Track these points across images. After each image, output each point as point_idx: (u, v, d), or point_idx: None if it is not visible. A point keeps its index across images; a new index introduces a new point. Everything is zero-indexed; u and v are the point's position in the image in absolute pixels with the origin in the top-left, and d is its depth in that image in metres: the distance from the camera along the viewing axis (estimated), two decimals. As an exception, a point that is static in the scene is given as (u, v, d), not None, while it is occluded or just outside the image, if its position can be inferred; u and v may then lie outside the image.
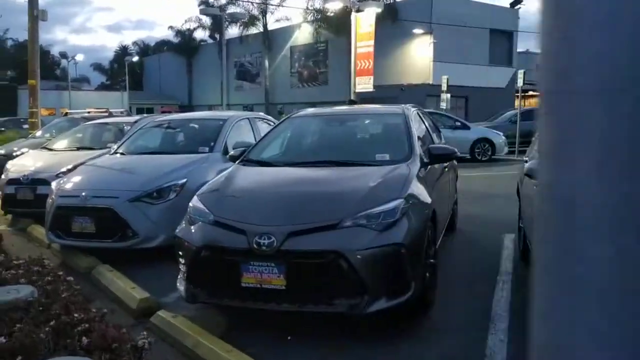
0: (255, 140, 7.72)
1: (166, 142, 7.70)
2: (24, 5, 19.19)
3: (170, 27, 54.12)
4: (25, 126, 22.57)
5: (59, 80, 58.78)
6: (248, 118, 7.88)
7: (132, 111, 51.37)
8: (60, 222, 5.91)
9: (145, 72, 64.51)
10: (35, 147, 11.05)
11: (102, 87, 69.71)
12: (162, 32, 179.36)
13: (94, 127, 10.06)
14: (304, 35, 42.36)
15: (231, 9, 45.15)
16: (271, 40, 44.81)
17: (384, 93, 26.65)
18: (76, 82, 53.05)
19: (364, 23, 19.82)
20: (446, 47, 32.70)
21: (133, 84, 59.43)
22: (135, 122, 9.54)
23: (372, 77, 19.72)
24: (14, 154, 10.90)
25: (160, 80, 61.45)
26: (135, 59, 58.36)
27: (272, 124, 8.78)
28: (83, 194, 5.77)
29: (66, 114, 12.98)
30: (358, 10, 20.12)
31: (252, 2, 43.26)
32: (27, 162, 8.65)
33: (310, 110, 6.50)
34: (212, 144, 6.84)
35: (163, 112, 49.51)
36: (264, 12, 44.38)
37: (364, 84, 19.92)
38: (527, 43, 49.39)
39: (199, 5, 47.95)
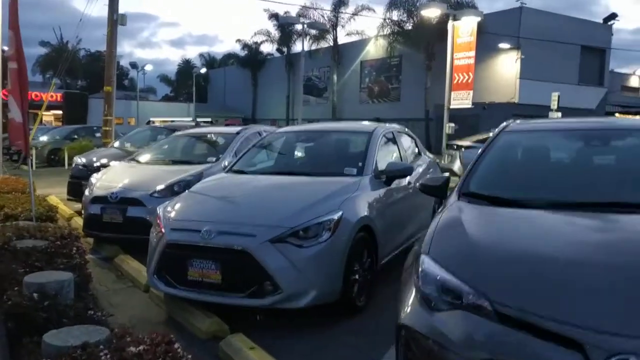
0: (401, 159, 6.09)
1: (300, 160, 6.10)
2: (96, 19, 18.43)
3: (238, 40, 53.81)
4: (98, 134, 21.86)
5: (126, 90, 59.52)
6: (393, 131, 6.18)
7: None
8: (171, 265, 4.35)
9: (210, 84, 64.60)
10: (116, 158, 9.77)
11: (166, 99, 70.42)
12: (223, 47, 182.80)
13: (187, 138, 8.64)
14: (375, 49, 40.81)
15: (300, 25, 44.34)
16: (341, 54, 43.50)
17: (465, 111, 24.60)
18: (143, 93, 53.35)
19: (463, 32, 17.97)
20: (533, 63, 30.35)
21: (197, 96, 59.48)
22: (238, 133, 8.04)
23: (471, 92, 17.83)
24: (95, 164, 9.64)
25: (225, 92, 61.28)
26: (203, 70, 58.30)
27: (414, 139, 7.11)
28: (205, 228, 4.17)
29: (149, 122, 11.62)
30: (455, 19, 18.31)
31: (323, 16, 42.10)
32: (114, 176, 7.27)
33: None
34: (360, 163, 5.17)
35: (227, 124, 48.95)
36: (334, 26, 43.18)
37: (460, 100, 18.04)
38: (617, 62, 45.98)
39: (270, 19, 47.38)
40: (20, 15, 6.46)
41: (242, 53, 54.39)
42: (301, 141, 6.23)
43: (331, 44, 43.58)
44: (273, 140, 6.32)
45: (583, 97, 32.62)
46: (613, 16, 34.16)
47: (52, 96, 48.50)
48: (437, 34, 32.66)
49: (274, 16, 47.95)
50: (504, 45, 30.36)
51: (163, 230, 4.44)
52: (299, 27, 46.56)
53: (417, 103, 36.04)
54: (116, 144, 11.76)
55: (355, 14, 40.61)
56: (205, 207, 4.71)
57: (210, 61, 67.31)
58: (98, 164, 9.67)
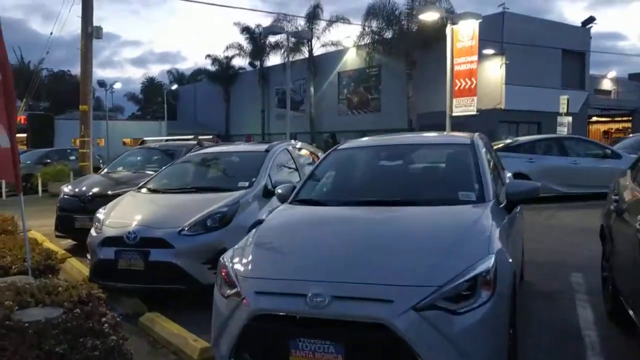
0: (499, 175, 4.94)
1: (390, 184, 4.58)
2: (59, 37, 16.85)
3: (208, 56, 52.25)
4: (73, 157, 20.22)
5: (94, 110, 57.25)
6: (484, 140, 5.01)
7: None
8: (259, 346, 3.04)
9: (180, 101, 62.79)
10: (113, 186, 8.40)
11: (134, 117, 68.22)
12: (187, 64, 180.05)
13: (206, 159, 7.31)
14: (353, 59, 39.97)
15: (275, 37, 43.17)
16: (317, 66, 42.46)
17: (453, 119, 23.79)
18: (111, 112, 51.21)
19: (463, 36, 17.09)
20: (518, 69, 29.90)
21: (167, 113, 57.64)
22: (268, 151, 6.77)
23: (475, 98, 16.91)
24: (87, 194, 8.22)
25: (195, 109, 59.58)
26: (174, 87, 56.51)
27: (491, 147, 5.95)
28: (313, 291, 2.88)
29: (142, 142, 10.32)
30: (453, 23, 17.45)
31: (297, 28, 41.05)
32: (127, 210, 5.92)
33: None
34: (476, 186, 3.99)
35: (248, 141, 47.26)
36: (309, 37, 42.20)
37: (464, 106, 17.11)
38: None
39: (242, 32, 46.11)
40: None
41: (212, 68, 52.94)
42: (383, 159, 4.97)
43: (306, 55, 42.56)
44: (338, 159, 4.99)
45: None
46: (591, 19, 34.11)
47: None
48: (419, 42, 32.06)
49: (245, 29, 46.79)
50: (488, 51, 29.78)
51: (242, 292, 3.12)
52: (272, 39, 45.67)
53: (399, 113, 35.22)
54: (106, 169, 10.31)
55: (330, 24, 39.77)
56: (300, 258, 3.32)
57: (178, 78, 65.59)
58: (90, 193, 8.27)
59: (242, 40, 47.40)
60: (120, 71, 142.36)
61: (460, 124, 25.47)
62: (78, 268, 6.63)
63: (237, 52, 48.51)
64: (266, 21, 46.86)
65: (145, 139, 11.16)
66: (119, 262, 5.36)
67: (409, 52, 33.30)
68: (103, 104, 70.47)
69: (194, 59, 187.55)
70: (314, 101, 42.48)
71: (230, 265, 3.39)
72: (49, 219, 12.55)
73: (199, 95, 59.11)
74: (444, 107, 18.05)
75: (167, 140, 11.41)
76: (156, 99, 72.12)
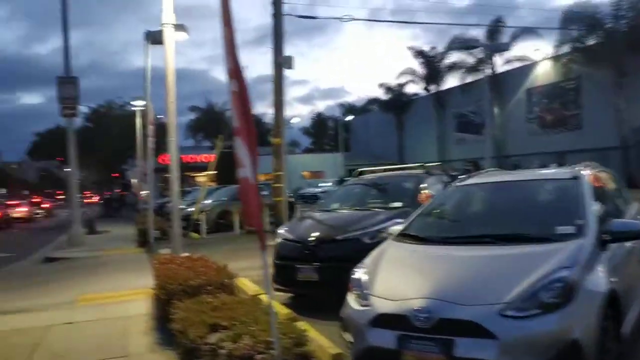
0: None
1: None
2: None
3: (381, 85, 51.38)
4: (265, 192, 19.79)
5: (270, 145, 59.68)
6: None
7: (342, 173, 49.07)
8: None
9: (352, 132, 62.85)
10: (339, 229, 6.78)
11: (307, 151, 70.05)
12: (352, 98, 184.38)
13: (492, 192, 5.22)
14: (545, 73, 35.94)
15: (451, 58, 40.83)
16: (500, 84, 39.02)
17: None
18: (290, 147, 52.62)
19: None
20: None
21: (341, 145, 57.88)
22: (576, 177, 4.52)
23: None
24: (309, 238, 6.67)
25: (368, 139, 59.03)
26: (350, 118, 56.62)
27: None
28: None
29: (360, 173, 8.61)
30: None
31: (475, 46, 38.17)
32: (401, 271, 4.08)
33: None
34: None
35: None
36: (490, 55, 39.05)
37: None
38: None
39: (416, 57, 44.54)
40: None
41: (384, 97, 51.97)
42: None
43: (486, 74, 39.39)
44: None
45: None
46: None
47: (205, 157, 49.53)
48: (630, 46, 27.52)
49: (419, 53, 45.15)
50: None
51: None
52: (448, 61, 43.26)
53: (606, 129, 30.50)
54: (321, 207, 8.81)
55: (514, 38, 36.28)
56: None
57: (349, 109, 65.98)
58: (314, 237, 6.71)
59: (416, 65, 45.83)
60: (289, 109, 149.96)
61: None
62: (325, 348, 4.88)
63: (410, 78, 47.02)
64: (431, 42, 44.59)
65: (361, 169, 9.53)
66: (404, 354, 3.49)
67: (618, 59, 28.71)
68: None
69: (357, 92, 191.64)
70: (498, 123, 39.01)
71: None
72: (250, 261, 11.55)
73: (371, 126, 58.54)
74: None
75: (385, 170, 9.64)
76: (326, 133, 73.53)
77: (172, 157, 9.41)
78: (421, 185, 7.52)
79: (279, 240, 7.15)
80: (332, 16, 30.55)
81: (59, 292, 9.61)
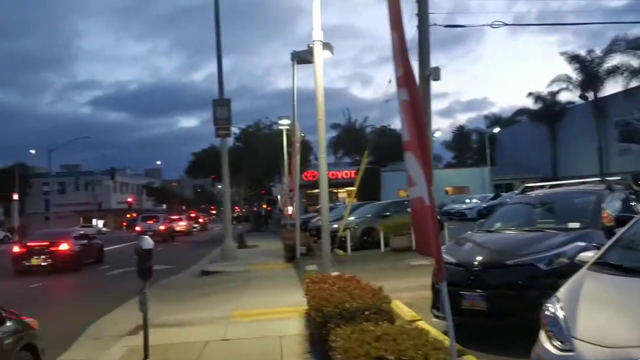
0: None
1: None
2: (377, 98, 15.86)
3: (530, 94, 48.28)
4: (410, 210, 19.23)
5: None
6: None
7: (487, 189, 46.69)
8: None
9: (498, 145, 59.81)
10: (508, 252, 6.05)
11: (448, 165, 67.90)
12: (494, 109, 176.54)
13: None
14: None
15: (612, 61, 37.13)
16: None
17: None
18: (433, 161, 51.49)
19: None
20: None
21: (482, 159, 55.27)
22: None
23: None
24: (478, 263, 6.03)
25: (515, 152, 55.73)
26: (496, 130, 54.04)
27: None
28: None
29: (525, 188, 7.70)
30: None
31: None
32: (609, 310, 3.34)
33: None
34: None
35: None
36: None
37: None
38: None
39: (570, 62, 41.20)
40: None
41: (534, 107, 48.73)
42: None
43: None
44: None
45: None
46: None
47: (346, 173, 50.15)
48: None
49: (574, 58, 41.72)
50: None
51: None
52: (607, 65, 39.42)
53: None
54: (480, 226, 8.05)
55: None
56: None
57: (494, 121, 62.94)
58: (479, 261, 6.03)
59: (570, 71, 42.38)
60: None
61: None
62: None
63: (563, 85, 43.60)
64: (583, 47, 40.64)
65: (527, 184, 8.59)
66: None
67: None
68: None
69: (501, 103, 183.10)
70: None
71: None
72: (400, 281, 11.08)
73: (519, 138, 55.24)
74: None
75: (552, 185, 8.62)
76: (469, 146, 70.80)
77: (321, 174, 9.28)
78: (603, 204, 6.52)
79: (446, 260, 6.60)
80: (480, 24, 29.09)
81: (214, 306, 9.89)
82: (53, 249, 17.84)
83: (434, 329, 6.33)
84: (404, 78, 3.19)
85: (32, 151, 61.20)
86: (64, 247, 18.04)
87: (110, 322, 9.43)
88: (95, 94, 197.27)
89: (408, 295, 8.97)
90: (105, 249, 22.51)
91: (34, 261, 17.55)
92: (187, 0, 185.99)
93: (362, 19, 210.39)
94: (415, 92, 3.16)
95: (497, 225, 7.26)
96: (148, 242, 6.14)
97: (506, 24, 17.84)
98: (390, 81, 16.29)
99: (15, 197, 56.55)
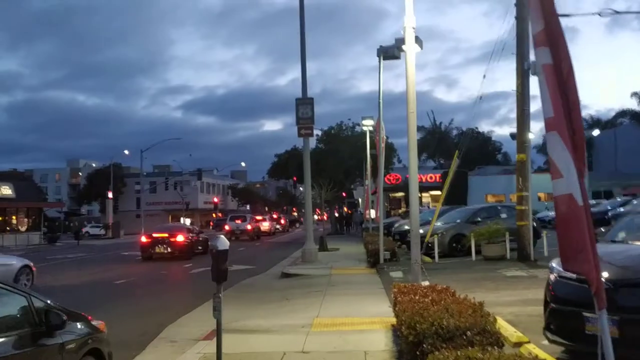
0: None
1: None
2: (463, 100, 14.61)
3: (634, 94, 44.48)
4: (504, 215, 17.87)
5: (500, 165, 56.03)
6: None
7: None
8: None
9: (595, 149, 55.76)
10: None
11: (539, 170, 64.22)
12: (588, 111, 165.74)
13: None
14: None
15: None
16: None
17: None
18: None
19: None
20: None
21: (587, 163, 51.46)
22: None
23: None
24: (609, 279, 4.97)
25: (615, 157, 51.66)
26: (596, 132, 50.33)
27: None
28: None
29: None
30: None
31: None
32: None
33: None
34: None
35: (625, 195, 39.79)
36: None
37: None
38: None
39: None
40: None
41: (638, 109, 44.85)
42: None
43: None
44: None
45: None
46: None
47: (430, 177, 48.53)
48: None
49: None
50: None
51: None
52: None
53: None
54: (609, 236, 6.88)
55: None
56: None
57: (593, 123, 58.78)
58: (611, 277, 4.94)
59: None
60: (514, 127, 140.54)
61: None
62: None
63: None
64: None
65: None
66: None
67: None
68: (509, 159, 69.09)
69: (596, 105, 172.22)
70: None
71: None
72: (497, 293, 9.91)
73: (619, 142, 51.14)
74: None
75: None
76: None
77: (411, 173, 8.46)
78: None
79: (553, 276, 5.55)
80: (588, 12, 26.87)
81: (293, 312, 9.33)
82: (172, 240, 21.91)
83: (548, 355, 5.37)
84: (545, 34, 2.39)
85: (126, 152, 64.17)
86: (180, 238, 22.19)
87: (193, 320, 9.17)
88: (186, 98, 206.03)
89: (508, 310, 7.96)
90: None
91: (158, 250, 21.85)
92: (273, 6, 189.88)
93: (447, 20, 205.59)
94: (562, 54, 2.35)
95: (624, 235, 6.13)
96: (223, 242, 5.63)
97: (617, 12, 16.14)
98: (484, 76, 15.15)
99: (110, 195, 59.54)
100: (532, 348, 5.54)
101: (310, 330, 7.64)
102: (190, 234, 23.61)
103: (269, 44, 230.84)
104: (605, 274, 5.03)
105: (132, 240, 45.26)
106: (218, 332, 5.67)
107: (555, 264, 5.70)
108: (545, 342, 5.79)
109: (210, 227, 67.36)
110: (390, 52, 15.57)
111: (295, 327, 7.88)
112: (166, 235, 22.34)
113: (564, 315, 5.17)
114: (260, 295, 11.79)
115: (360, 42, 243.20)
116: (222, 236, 5.83)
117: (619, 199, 31.60)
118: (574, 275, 5.24)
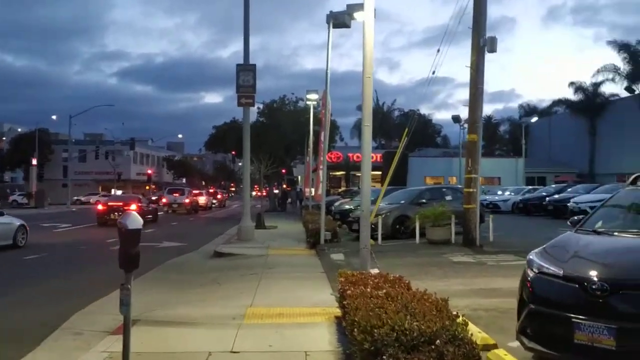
0: None
1: None
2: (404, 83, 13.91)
3: (571, 84, 45.56)
4: (449, 197, 17.39)
5: (439, 147, 56.45)
6: None
7: (520, 181, 44.36)
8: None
9: (530, 137, 57.19)
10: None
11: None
12: (518, 101, 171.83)
13: None
14: None
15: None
16: None
17: None
18: (457, 149, 49.19)
19: None
20: None
21: (512, 150, 52.75)
22: None
23: None
24: (599, 280, 4.19)
25: (549, 145, 53.16)
26: (534, 119, 51.33)
27: None
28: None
29: (637, 178, 5.72)
30: None
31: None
32: None
33: None
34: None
35: (557, 182, 40.90)
36: None
37: None
38: None
39: (620, 51, 38.52)
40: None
41: (576, 98, 46.03)
42: None
43: None
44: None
45: None
46: None
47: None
48: None
49: (623, 47, 39.02)
50: None
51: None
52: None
53: None
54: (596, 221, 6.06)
55: None
56: None
57: (529, 112, 60.23)
58: (601, 277, 4.10)
59: (618, 61, 39.69)
60: (454, 112, 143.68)
61: None
62: None
63: (610, 76, 40.93)
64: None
65: (638, 174, 6.60)
66: None
67: None
68: (448, 142, 70.02)
69: (529, 96, 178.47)
70: None
71: None
72: (446, 281, 9.04)
73: (554, 130, 52.59)
74: None
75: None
76: (496, 137, 68.77)
77: (364, 148, 7.53)
78: None
79: (532, 272, 4.68)
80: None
81: (225, 299, 8.25)
82: (126, 208, 22.47)
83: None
84: None
85: (54, 117, 60.40)
86: (133, 207, 24.12)
87: (108, 306, 7.63)
88: (123, 65, 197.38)
89: (464, 303, 7.17)
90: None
91: (112, 216, 24.08)
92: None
93: (393, 1, 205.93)
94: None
95: (606, 225, 5.37)
96: (135, 219, 4.45)
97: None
98: (439, 50, 14.34)
99: (34, 162, 55.70)
100: (503, 354, 4.72)
101: (243, 323, 6.60)
102: (142, 204, 27.13)
103: (211, 13, 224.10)
104: (596, 273, 4.21)
105: (57, 211, 42.62)
106: (125, 331, 4.53)
107: (535, 257, 4.87)
108: (512, 344, 5.00)
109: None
110: (341, 19, 14.49)
111: (226, 319, 6.82)
112: (121, 204, 25.52)
113: (546, 318, 4.33)
114: (189, 278, 10.62)
115: (306, 18, 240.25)
116: (134, 212, 4.65)
117: (553, 186, 32.25)
118: (560, 272, 4.42)
